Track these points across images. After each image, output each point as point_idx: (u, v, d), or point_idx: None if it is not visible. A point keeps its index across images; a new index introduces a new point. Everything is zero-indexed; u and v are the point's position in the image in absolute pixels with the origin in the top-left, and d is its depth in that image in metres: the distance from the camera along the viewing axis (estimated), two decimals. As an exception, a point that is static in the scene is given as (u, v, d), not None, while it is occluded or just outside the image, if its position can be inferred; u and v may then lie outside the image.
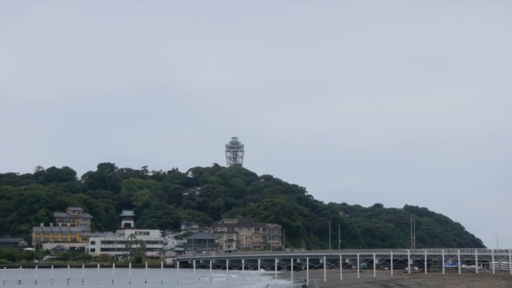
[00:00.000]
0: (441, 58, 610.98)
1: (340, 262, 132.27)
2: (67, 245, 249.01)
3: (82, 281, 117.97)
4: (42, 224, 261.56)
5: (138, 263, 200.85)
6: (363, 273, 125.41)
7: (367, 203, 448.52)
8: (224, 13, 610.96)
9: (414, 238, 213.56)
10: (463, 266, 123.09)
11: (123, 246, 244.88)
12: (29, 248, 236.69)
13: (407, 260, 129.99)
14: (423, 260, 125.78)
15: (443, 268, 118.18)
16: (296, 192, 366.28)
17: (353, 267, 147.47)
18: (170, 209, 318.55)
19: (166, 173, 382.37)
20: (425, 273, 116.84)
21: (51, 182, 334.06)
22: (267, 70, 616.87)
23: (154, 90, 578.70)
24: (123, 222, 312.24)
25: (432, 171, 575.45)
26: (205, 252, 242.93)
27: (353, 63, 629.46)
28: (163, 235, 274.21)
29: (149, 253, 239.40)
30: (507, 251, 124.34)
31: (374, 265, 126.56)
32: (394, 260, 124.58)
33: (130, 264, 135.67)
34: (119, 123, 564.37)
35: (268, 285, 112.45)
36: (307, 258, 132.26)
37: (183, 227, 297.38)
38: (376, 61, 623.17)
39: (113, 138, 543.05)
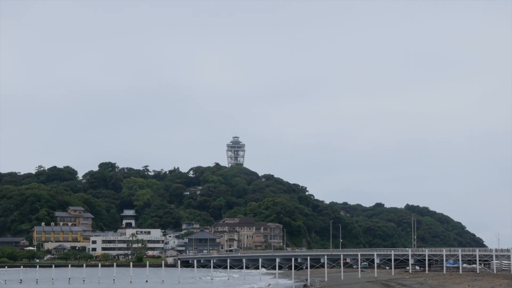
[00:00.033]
0: (441, 58, 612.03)
1: (341, 261, 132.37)
2: (68, 245, 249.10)
3: (83, 281, 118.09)
4: (43, 223, 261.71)
5: (139, 262, 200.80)
6: (364, 272, 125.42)
7: (368, 203, 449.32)
8: (224, 13, 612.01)
9: (415, 237, 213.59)
10: (464, 265, 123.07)
11: (124, 245, 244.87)
12: (30, 248, 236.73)
13: (408, 260, 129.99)
14: (424, 260, 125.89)
15: (444, 268, 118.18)
16: (297, 192, 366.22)
17: (354, 267, 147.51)
18: (171, 209, 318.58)
19: (167, 172, 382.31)
20: (426, 272, 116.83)
21: (52, 182, 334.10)
22: (268, 69, 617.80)
23: (155, 89, 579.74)
24: (124, 222, 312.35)
25: (433, 170, 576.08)
26: (206, 251, 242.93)
27: (353, 63, 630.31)
28: (164, 235, 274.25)
29: (150, 253, 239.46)
30: (508, 250, 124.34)
31: (375, 265, 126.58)
32: (395, 260, 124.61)
33: (131, 263, 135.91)
34: (120, 122, 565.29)
35: (269, 284, 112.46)
36: (308, 258, 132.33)
37: (184, 226, 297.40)
38: (376, 61, 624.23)
39: (114, 137, 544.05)
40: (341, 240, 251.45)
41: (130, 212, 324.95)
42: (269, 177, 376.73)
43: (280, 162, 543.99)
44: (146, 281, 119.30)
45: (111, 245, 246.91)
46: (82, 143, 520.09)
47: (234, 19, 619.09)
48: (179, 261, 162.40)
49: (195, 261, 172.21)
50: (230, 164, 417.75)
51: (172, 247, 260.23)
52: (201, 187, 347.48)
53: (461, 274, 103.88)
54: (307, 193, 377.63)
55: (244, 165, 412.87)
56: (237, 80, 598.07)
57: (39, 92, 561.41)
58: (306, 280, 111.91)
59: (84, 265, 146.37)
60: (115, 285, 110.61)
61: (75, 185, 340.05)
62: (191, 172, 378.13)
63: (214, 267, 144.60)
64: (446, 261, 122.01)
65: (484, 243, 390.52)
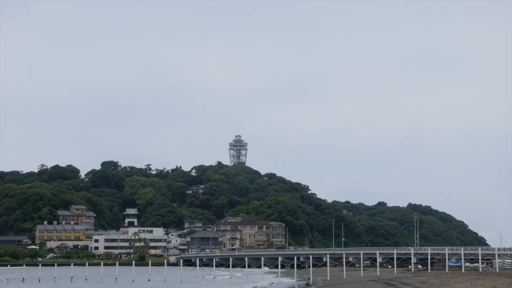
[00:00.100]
0: (442, 57, 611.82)
1: (344, 260, 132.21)
2: (70, 243, 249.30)
3: (86, 279, 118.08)
4: (45, 222, 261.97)
5: (141, 261, 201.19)
6: (367, 271, 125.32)
7: (370, 202, 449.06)
8: (224, 12, 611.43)
9: (417, 236, 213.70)
10: (467, 264, 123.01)
11: (126, 244, 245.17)
12: (33, 246, 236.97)
13: (410, 258, 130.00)
14: (427, 258, 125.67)
15: (447, 266, 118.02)
16: (299, 191, 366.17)
17: (356, 265, 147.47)
18: (173, 208, 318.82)
19: (170, 171, 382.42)
20: (429, 271, 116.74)
21: (55, 180, 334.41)
22: (269, 69, 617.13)
23: (157, 89, 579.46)
24: (126, 220, 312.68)
25: (436, 169, 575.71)
26: (208, 250, 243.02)
27: (354, 63, 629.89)
28: (167, 233, 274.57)
29: (152, 251, 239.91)
30: (510, 249, 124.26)
31: (378, 263, 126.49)
32: (397, 258, 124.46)
33: (133, 262, 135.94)
34: (122, 122, 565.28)
35: (272, 283, 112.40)
36: (311, 256, 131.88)
37: (186, 225, 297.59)
38: (376, 61, 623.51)
39: (117, 136, 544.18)
40: (344, 239, 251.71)
41: (133, 211, 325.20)
42: (271, 176, 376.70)
43: (282, 161, 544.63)
44: (149, 280, 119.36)
45: (114, 244, 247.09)
46: (85, 142, 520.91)
47: (234, 19, 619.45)
48: (181, 260, 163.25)
49: (198, 260, 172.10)
50: (232, 163, 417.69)
51: (175, 246, 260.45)
52: (203, 186, 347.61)
53: (464, 273, 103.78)
54: (309, 192, 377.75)
55: (247, 164, 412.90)
56: (239, 79, 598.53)
57: (41, 92, 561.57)
58: (309, 279, 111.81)
59: (87, 263, 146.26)
60: (117, 284, 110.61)
61: (77, 183, 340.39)
62: (194, 171, 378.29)
63: (216, 266, 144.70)
64: (448, 260, 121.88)
65: (486, 242, 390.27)
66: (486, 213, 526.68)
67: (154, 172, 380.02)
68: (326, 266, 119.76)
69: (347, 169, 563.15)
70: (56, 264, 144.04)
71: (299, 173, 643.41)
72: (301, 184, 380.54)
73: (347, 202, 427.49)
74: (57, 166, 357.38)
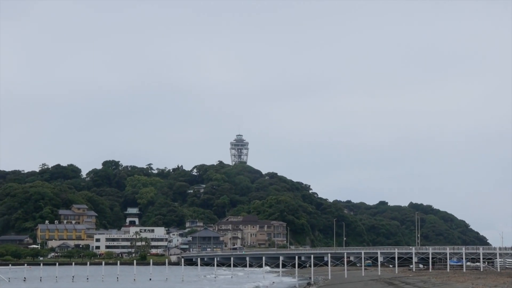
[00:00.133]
0: (444, 57, 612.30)
1: (345, 259, 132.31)
2: (72, 243, 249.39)
3: (87, 279, 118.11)
4: (47, 221, 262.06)
5: (143, 260, 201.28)
6: (368, 270, 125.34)
7: (371, 201, 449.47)
8: (226, 11, 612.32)
9: (418, 235, 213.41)
10: (468, 263, 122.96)
11: (128, 243, 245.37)
12: (34, 246, 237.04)
13: (412, 258, 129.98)
14: (428, 258, 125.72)
15: (448, 266, 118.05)
16: (300, 190, 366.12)
17: (357, 265, 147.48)
18: (174, 207, 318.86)
19: (171, 170, 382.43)
20: (430, 270, 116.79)
21: (56, 180, 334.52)
22: (270, 68, 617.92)
23: (158, 88, 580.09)
24: (128, 220, 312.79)
25: (437, 169, 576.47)
26: (209, 249, 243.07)
27: (355, 62, 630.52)
28: (168, 233, 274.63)
29: (153, 251, 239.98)
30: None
31: (379, 263, 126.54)
32: (398, 258, 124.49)
33: (135, 261, 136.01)
34: (123, 121, 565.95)
35: (273, 282, 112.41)
36: (312, 256, 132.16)
37: (187, 224, 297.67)
38: (377, 61, 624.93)
39: (118, 135, 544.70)
40: (345, 238, 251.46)
41: (134, 210, 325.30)
42: (272, 175, 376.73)
43: (283, 160, 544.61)
44: (150, 279, 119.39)
45: (115, 243, 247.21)
46: (86, 141, 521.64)
47: (235, 18, 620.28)
48: (182, 259, 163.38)
49: (199, 259, 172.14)
50: (233, 162, 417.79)
51: (176, 245, 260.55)
52: (204, 185, 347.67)
53: (465, 273, 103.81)
54: (310, 191, 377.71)
55: (248, 163, 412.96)
56: (240, 79, 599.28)
57: (42, 91, 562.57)
58: (310, 278, 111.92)
59: (88, 263, 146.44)
60: (118, 283, 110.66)
61: (78, 183, 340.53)
62: (195, 170, 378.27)
63: (217, 265, 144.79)
64: (449, 259, 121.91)
65: (488, 241, 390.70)
66: (488, 212, 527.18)
67: (156, 172, 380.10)
68: (328, 265, 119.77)
69: (348, 168, 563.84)
70: (57, 264, 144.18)
71: (300, 173, 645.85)
72: (302, 184, 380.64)
73: (348, 202, 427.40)
74: (58, 165, 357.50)
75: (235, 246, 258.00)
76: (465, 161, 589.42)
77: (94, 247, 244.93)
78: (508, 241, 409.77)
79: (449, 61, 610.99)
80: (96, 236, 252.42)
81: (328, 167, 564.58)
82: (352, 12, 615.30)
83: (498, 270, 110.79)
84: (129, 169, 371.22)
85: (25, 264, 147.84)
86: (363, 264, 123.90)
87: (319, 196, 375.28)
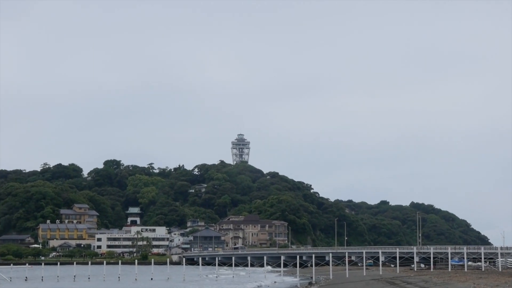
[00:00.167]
0: (444, 57, 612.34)
1: (346, 259, 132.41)
2: (73, 242, 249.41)
3: (89, 278, 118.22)
4: (48, 221, 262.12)
5: (144, 260, 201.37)
6: (369, 270, 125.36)
7: (373, 200, 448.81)
8: (226, 11, 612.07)
9: (420, 235, 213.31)
10: (470, 263, 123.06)
11: (129, 243, 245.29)
12: (36, 245, 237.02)
13: (413, 257, 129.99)
14: (429, 257, 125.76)
15: (450, 265, 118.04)
16: (302, 189, 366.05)
17: (359, 264, 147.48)
18: (176, 206, 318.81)
19: (172, 170, 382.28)
20: (431, 270, 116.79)
21: (58, 179, 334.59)
22: (272, 67, 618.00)
23: (160, 87, 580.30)
24: (129, 219, 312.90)
25: (439, 168, 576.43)
26: (211, 249, 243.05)
27: (356, 62, 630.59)
28: (169, 232, 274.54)
29: (155, 250, 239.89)
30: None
31: (380, 262, 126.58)
32: (400, 257, 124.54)
33: (136, 261, 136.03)
34: (125, 120, 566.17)
35: (274, 282, 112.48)
36: (313, 255, 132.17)
37: (189, 224, 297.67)
38: (378, 60, 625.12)
39: (119, 135, 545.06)
40: (346, 238, 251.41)
41: (135, 210, 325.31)
42: (274, 175, 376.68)
43: (285, 160, 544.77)
44: (151, 278, 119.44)
45: (116, 243, 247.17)
46: (87, 141, 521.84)
47: (236, 18, 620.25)
48: (184, 259, 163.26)
49: (200, 258, 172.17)
50: (235, 162, 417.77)
51: (177, 244, 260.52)
52: (206, 185, 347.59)
53: (466, 272, 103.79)
54: (312, 190, 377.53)
55: (249, 163, 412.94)
56: (241, 78, 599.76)
57: (43, 91, 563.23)
58: (311, 277, 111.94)
59: (89, 262, 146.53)
60: (120, 283, 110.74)
61: (80, 182, 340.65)
62: (196, 169, 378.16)
63: (219, 265, 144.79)
64: (451, 259, 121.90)
65: (489, 241, 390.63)
66: (489, 212, 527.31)
67: (157, 171, 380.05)
68: (329, 265, 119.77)
69: (350, 168, 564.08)
70: (59, 263, 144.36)
71: (301, 172, 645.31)
72: (304, 183, 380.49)
73: (350, 201, 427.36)
74: (59, 165, 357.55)
75: (237, 246, 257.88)
76: (466, 161, 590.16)
77: (96, 246, 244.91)
78: (509, 241, 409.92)
79: (449, 61, 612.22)
80: (97, 236, 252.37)
81: (329, 166, 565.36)
82: (352, 12, 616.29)
83: (500, 269, 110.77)
84: (131, 168, 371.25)
85: (27, 264, 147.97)
86: (364, 264, 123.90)
87: (320, 195, 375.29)
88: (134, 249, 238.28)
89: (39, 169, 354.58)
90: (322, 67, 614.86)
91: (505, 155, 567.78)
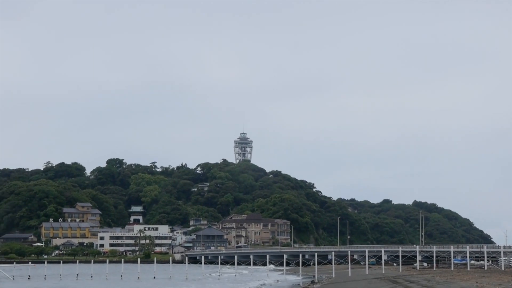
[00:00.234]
0: (445, 57, 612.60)
1: (349, 258, 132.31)
2: (76, 241, 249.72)
3: (91, 277, 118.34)
4: (51, 219, 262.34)
5: (147, 258, 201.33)
6: (372, 269, 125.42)
7: (375, 199, 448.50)
8: (227, 11, 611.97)
9: (423, 234, 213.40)
10: (472, 262, 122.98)
11: (132, 241, 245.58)
12: (39, 244, 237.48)
13: (416, 256, 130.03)
14: (432, 256, 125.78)
15: (452, 264, 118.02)
16: (304, 188, 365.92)
17: (361, 263, 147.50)
18: (178, 205, 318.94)
19: (175, 169, 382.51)
20: (434, 269, 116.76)
21: (60, 178, 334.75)
22: (274, 66, 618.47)
23: (163, 86, 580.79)
24: (132, 218, 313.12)
25: (441, 167, 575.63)
26: (213, 247, 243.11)
27: (357, 62, 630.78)
28: (172, 231, 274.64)
29: (157, 249, 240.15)
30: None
31: (383, 261, 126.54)
32: (403, 256, 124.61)
33: (139, 259, 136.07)
34: (127, 119, 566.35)
35: (277, 280, 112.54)
36: (316, 254, 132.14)
37: (191, 222, 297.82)
38: (378, 60, 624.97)
39: (122, 134, 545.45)
40: (349, 237, 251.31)
41: (138, 208, 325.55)
42: (276, 174, 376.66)
43: (287, 159, 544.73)
44: (154, 277, 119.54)
45: (119, 241, 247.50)
46: (90, 140, 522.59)
47: (236, 18, 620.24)
48: (186, 258, 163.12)
49: (203, 257, 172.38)
50: (237, 161, 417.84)
51: (180, 243, 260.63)
52: (208, 184, 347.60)
53: (469, 271, 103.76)
54: (314, 189, 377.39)
55: (252, 162, 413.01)
56: (244, 76, 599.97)
57: (46, 90, 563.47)
58: (314, 276, 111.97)
59: (92, 261, 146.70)
60: (122, 281, 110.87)
61: (83, 181, 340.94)
62: (199, 168, 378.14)
63: (221, 264, 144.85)
64: (454, 258, 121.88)
65: (492, 239, 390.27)
66: (492, 210, 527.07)
67: (160, 170, 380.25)
68: (331, 263, 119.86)
69: (352, 167, 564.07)
70: (61, 262, 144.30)
71: (304, 171, 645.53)
72: (306, 182, 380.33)
73: (352, 200, 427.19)
74: (62, 163, 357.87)
75: (239, 244, 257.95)
76: (468, 160, 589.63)
77: (98, 245, 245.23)
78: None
79: (449, 61, 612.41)
80: (100, 234, 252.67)
81: (332, 165, 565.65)
82: (352, 12, 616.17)
83: (503, 268, 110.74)
84: (133, 167, 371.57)
85: (30, 262, 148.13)
86: (367, 263, 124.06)
87: (323, 194, 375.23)
88: (137, 248, 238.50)
89: (42, 168, 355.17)
90: (322, 67, 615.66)
91: (505, 154, 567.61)
